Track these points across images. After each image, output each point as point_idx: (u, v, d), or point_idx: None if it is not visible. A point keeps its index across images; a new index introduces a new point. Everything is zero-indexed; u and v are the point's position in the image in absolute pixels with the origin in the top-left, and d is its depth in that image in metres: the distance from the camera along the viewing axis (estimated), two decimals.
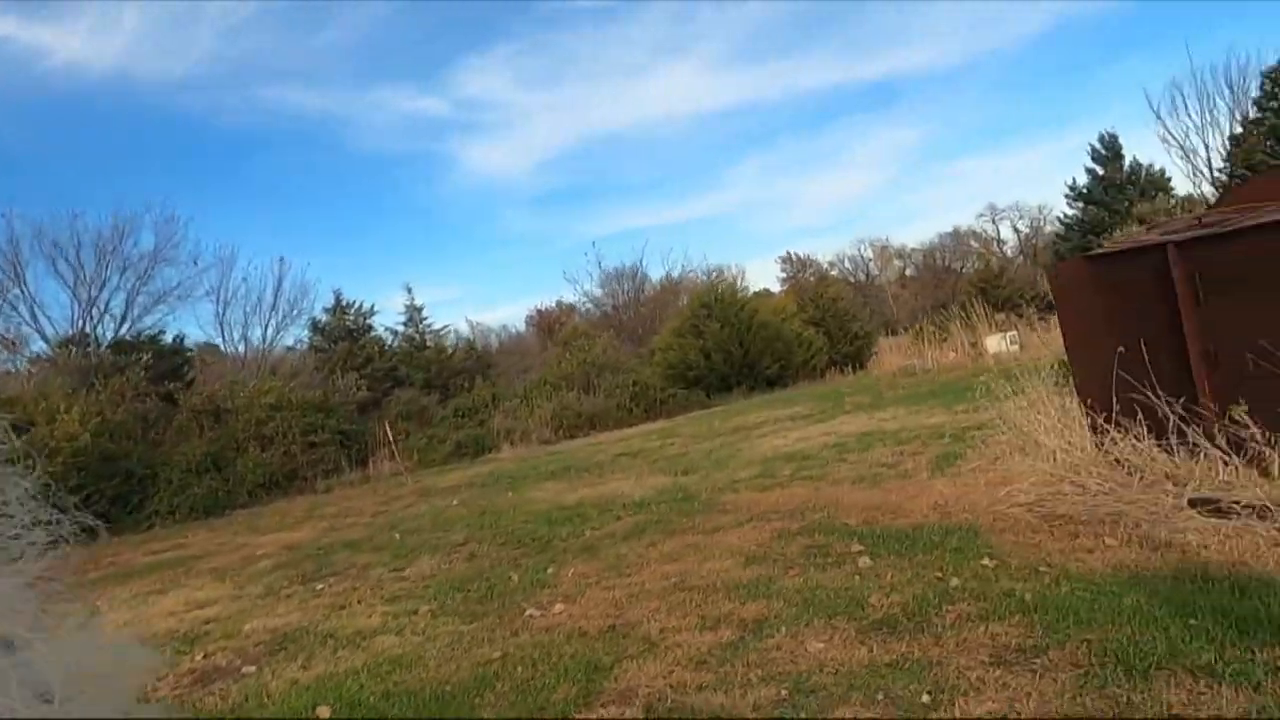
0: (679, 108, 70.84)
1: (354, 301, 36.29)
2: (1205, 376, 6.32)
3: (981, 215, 56.41)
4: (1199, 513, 5.77)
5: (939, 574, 5.56)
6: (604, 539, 8.82)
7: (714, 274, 46.07)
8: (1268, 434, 5.71)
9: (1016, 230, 56.11)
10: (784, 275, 57.30)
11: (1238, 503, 5.60)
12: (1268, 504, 5.42)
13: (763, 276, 73.65)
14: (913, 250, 59.85)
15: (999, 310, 29.49)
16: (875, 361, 32.59)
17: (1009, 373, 9.57)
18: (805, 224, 77.13)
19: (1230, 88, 35.14)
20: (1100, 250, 7.91)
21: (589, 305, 48.84)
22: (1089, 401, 7.31)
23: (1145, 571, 4.97)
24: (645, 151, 70.48)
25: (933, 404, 16.04)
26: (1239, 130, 32.87)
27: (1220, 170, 32.93)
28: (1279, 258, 5.72)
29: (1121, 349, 6.92)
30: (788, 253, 58.36)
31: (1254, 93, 32.82)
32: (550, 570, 7.71)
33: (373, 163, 62.74)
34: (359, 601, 7.93)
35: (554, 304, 52.34)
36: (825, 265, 58.17)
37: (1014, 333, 24.30)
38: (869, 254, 60.49)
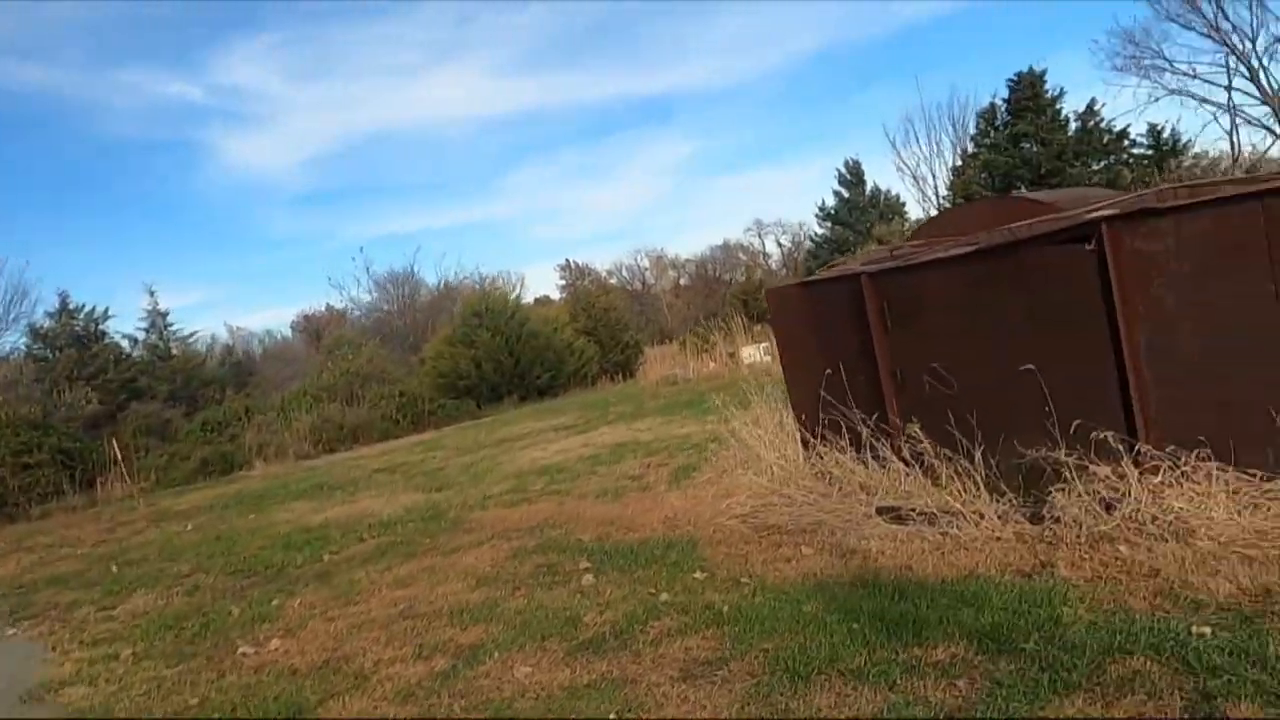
0: (459, 111, 69.97)
1: (83, 305, 32.92)
2: (893, 396, 7.02)
3: (749, 229, 59.59)
4: (884, 520, 6.39)
5: (653, 589, 5.81)
6: (342, 563, 8.53)
7: (488, 281, 45.75)
8: (937, 448, 6.43)
9: (780, 244, 59.69)
10: (563, 283, 57.84)
11: (914, 510, 6.26)
12: (935, 510, 6.10)
13: (543, 284, 73.97)
14: (686, 261, 62.21)
15: (756, 322, 31.25)
16: (643, 370, 33.54)
17: (738, 386, 10.16)
18: (585, 232, 78.49)
19: (953, 124, 39.37)
20: (811, 277, 8.59)
21: (359, 312, 47.07)
22: (802, 418, 7.91)
23: (829, 579, 5.44)
24: (423, 153, 69.12)
25: (686, 414, 16.72)
26: (959, 163, 36.88)
27: (944, 198, 36.81)
28: (943, 291, 6.47)
29: (828, 370, 7.54)
30: (567, 261, 59.01)
31: (971, 130, 36.95)
32: (276, 602, 7.34)
33: (111, 150, 57.25)
34: (54, 648, 7.19)
35: (324, 309, 50.02)
36: (604, 274, 59.28)
37: (767, 344, 25.80)
38: (645, 263, 62.26)
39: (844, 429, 7.40)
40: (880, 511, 6.51)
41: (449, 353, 31.00)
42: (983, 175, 33.68)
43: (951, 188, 36.26)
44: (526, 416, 24.47)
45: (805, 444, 7.80)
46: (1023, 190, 29.77)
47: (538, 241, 75.96)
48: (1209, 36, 32.29)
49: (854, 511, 6.71)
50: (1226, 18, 31.83)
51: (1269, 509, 4.81)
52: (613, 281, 59.13)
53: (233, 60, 60.51)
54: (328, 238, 70.11)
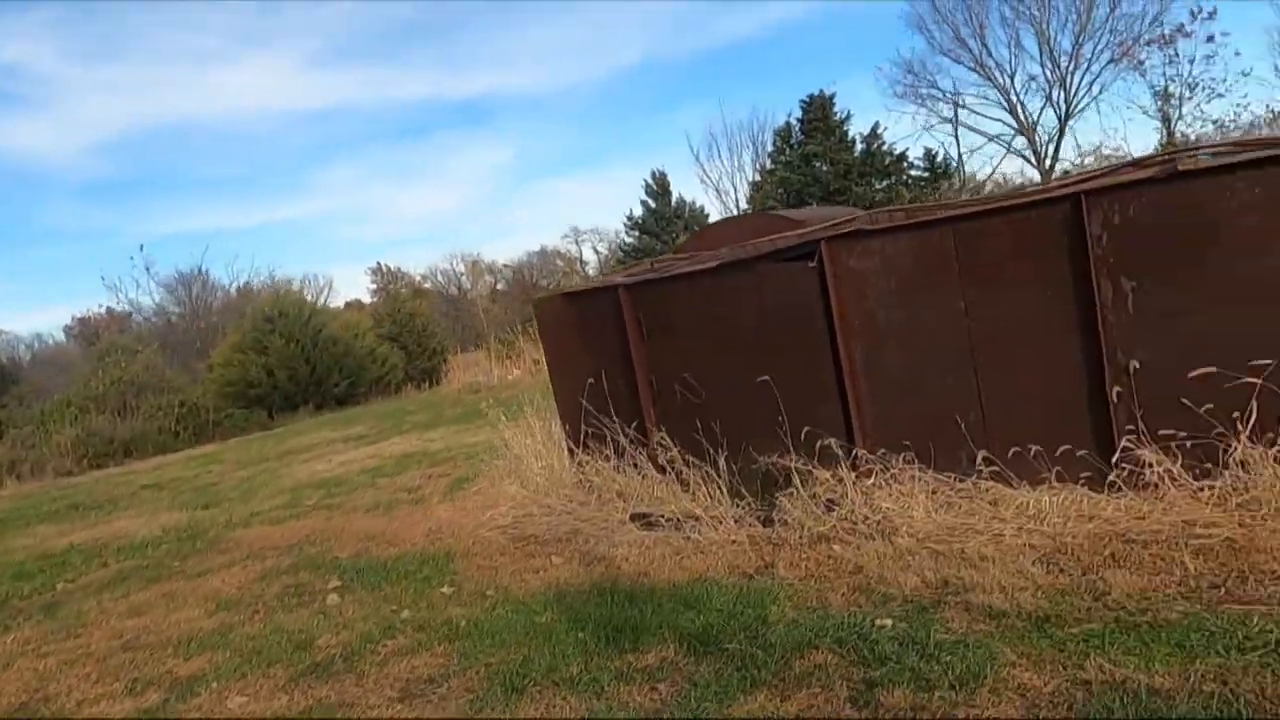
0: (265, 102, 66.13)
1: None
2: (650, 406, 7.21)
3: (566, 236, 59.65)
4: (636, 527, 6.54)
5: (396, 607, 5.68)
6: (76, 593, 7.83)
7: (290, 284, 43.51)
8: (685, 455, 6.67)
9: (597, 252, 60.21)
10: (375, 287, 55.88)
11: (663, 516, 6.45)
12: (681, 516, 6.30)
13: (354, 287, 70.99)
14: (504, 266, 61.57)
15: None
16: (448, 378, 32.93)
17: (536, 394, 10.15)
18: (400, 235, 75.97)
19: (753, 141, 41.18)
20: (575, 288, 8.70)
21: (143, 316, 43.57)
22: (568, 427, 7.99)
23: (571, 588, 5.51)
24: (223, 146, 64.84)
25: (480, 422, 16.50)
26: (758, 178, 38.59)
27: (744, 210, 38.35)
28: (691, 303, 6.72)
29: (591, 379, 7.65)
30: (379, 264, 56.97)
31: (769, 147, 38.75)
32: None
33: None
34: None
35: (104, 311, 45.90)
36: (418, 278, 57.74)
37: None
38: (461, 268, 61.15)
39: (608, 438, 7.53)
40: (633, 518, 6.66)
41: (238, 360, 29.21)
42: (779, 191, 35.33)
43: (751, 201, 37.84)
44: (320, 426, 23.45)
45: (571, 453, 7.87)
46: (813, 205, 31.51)
47: (348, 243, 73.06)
48: (976, 71, 35.48)
49: (610, 519, 6.83)
50: (990, 55, 35.08)
51: (960, 507, 5.28)
52: (427, 286, 57.77)
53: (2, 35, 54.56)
54: (113, 233, 64.56)
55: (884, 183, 34.45)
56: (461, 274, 62.55)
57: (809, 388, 5.99)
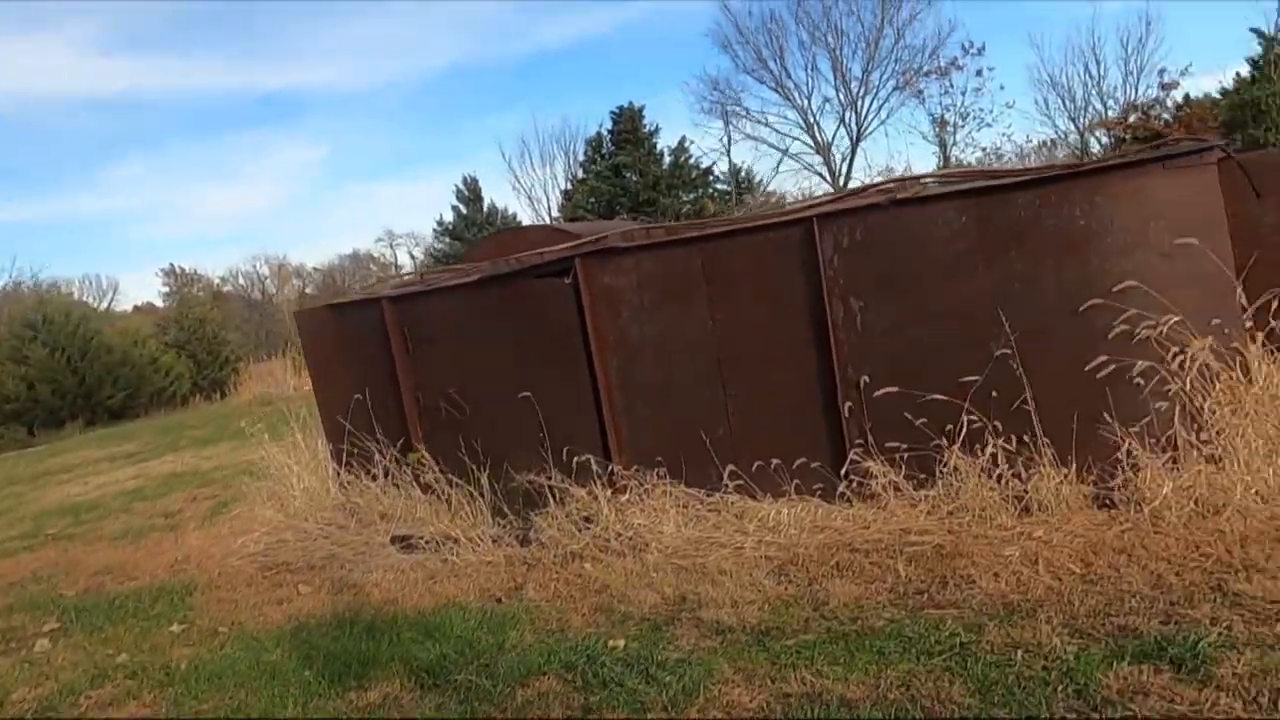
0: (41, 88, 59.94)
1: None
2: (416, 422, 6.97)
3: (380, 240, 57.54)
4: (396, 549, 6.29)
5: (114, 650, 5.18)
6: None
7: (56, 288, 39.67)
8: (447, 474, 6.48)
9: (413, 256, 58.39)
10: (167, 290, 51.68)
11: (423, 538, 6.23)
12: (441, 537, 6.11)
13: (146, 290, 65.48)
14: (314, 269, 58.63)
15: None
16: (240, 388, 31.00)
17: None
18: (199, 235, 70.83)
19: (565, 151, 41.32)
20: (340, 300, 8.34)
21: None
22: (333, 445, 7.60)
23: (313, 620, 5.20)
24: None
25: (266, 437, 15.60)
26: (570, 187, 38.75)
27: (556, 219, 38.40)
28: (455, 317, 6.56)
29: (358, 395, 7.31)
30: (172, 265, 52.69)
31: (581, 156, 39.01)
32: None
33: None
34: None
35: None
36: (217, 281, 53.99)
37: None
38: (266, 271, 57.73)
39: (374, 456, 7.22)
40: (394, 541, 6.40)
41: None
42: (590, 200, 35.58)
43: (563, 209, 37.92)
44: (89, 444, 21.45)
45: (336, 472, 7.50)
46: (621, 216, 31.96)
47: (142, 243, 67.47)
48: (777, 91, 37.15)
49: (371, 542, 6.54)
50: (790, 77, 36.83)
51: (709, 520, 5.39)
52: (228, 289, 54.23)
53: None
54: None
55: (691, 195, 35.43)
56: (266, 277, 59.19)
57: (569, 405, 5.96)
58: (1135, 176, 4.77)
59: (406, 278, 8.18)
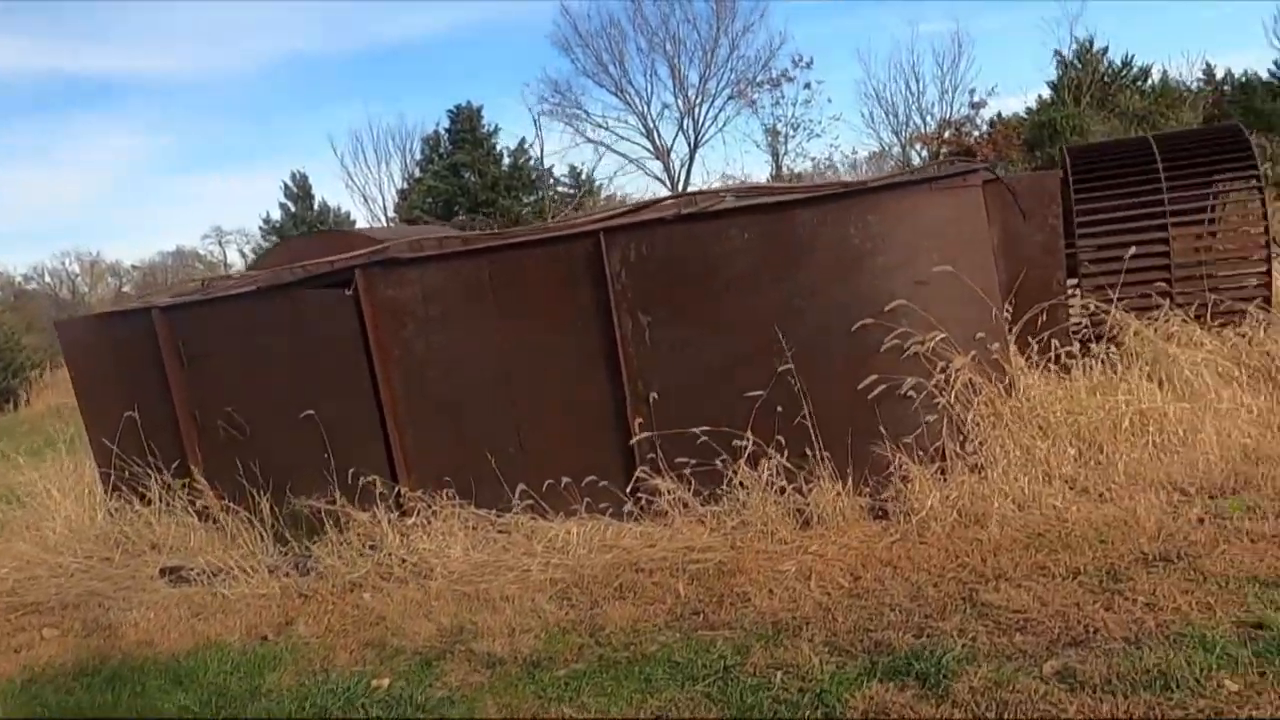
0: None
1: None
2: (193, 444, 6.45)
3: (208, 236, 53.92)
4: (166, 582, 5.77)
5: None
6: None
7: None
8: (224, 500, 6.02)
9: (243, 255, 54.98)
10: None
11: (194, 569, 5.74)
12: (215, 568, 5.64)
13: None
14: (132, 268, 54.28)
15: None
16: (36, 398, 28.38)
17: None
18: None
19: (400, 149, 40.09)
20: (110, 309, 7.67)
21: None
22: (103, 469, 6.94)
23: (51, 669, 4.68)
24: None
25: (49, 454, 14.24)
26: (406, 186, 37.62)
27: (392, 218, 37.24)
28: (233, 331, 6.10)
29: (129, 413, 6.70)
30: None
31: (418, 155, 37.96)
32: None
33: None
34: None
35: None
36: (18, 279, 49.20)
37: None
38: (76, 268, 53.07)
39: (151, 479, 6.63)
40: (163, 573, 5.88)
41: None
42: (428, 200, 34.64)
43: (399, 209, 36.78)
44: None
45: (105, 499, 6.85)
46: (460, 216, 31.30)
47: None
48: (617, 95, 37.32)
49: (137, 575, 5.98)
50: (630, 82, 37.09)
51: (498, 543, 5.20)
52: (31, 288, 49.59)
53: None
54: None
55: (531, 197, 35.10)
56: (77, 275, 54.54)
57: (353, 424, 5.64)
58: (907, 197, 4.93)
59: (190, 286, 7.59)
